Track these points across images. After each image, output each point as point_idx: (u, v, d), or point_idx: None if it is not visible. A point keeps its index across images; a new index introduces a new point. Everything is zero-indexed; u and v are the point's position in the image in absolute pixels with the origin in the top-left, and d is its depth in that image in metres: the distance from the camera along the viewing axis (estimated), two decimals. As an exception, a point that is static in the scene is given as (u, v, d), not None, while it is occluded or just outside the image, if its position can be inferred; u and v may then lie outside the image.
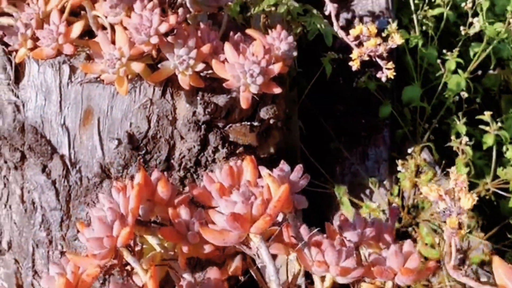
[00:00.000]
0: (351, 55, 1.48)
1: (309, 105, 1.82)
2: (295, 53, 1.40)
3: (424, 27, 2.07)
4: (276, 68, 1.31)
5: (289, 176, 0.95)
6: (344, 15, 2.04)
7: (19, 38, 1.29)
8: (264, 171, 0.96)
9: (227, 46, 1.30)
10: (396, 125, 1.91)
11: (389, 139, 1.89)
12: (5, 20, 1.38)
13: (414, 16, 2.03)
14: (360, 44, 1.50)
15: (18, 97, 1.36)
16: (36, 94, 1.35)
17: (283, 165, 0.97)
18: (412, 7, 2.03)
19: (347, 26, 2.04)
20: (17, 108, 1.37)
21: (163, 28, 1.25)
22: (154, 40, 1.25)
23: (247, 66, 1.27)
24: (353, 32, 1.48)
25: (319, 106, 1.86)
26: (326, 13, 1.53)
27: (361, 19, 2.04)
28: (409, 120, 1.93)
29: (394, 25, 1.91)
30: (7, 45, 1.32)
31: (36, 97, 1.36)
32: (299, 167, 0.97)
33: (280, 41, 1.39)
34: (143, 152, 1.38)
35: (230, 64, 1.28)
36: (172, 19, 1.27)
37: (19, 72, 1.36)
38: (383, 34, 1.91)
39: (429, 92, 1.98)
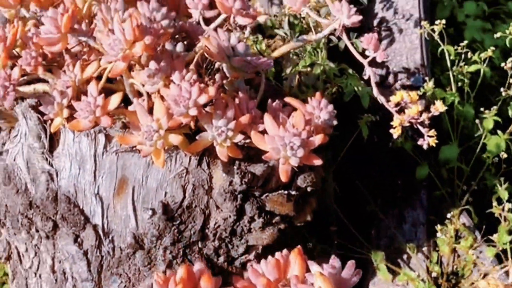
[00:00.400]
0: (387, 113, 1.44)
1: (344, 166, 1.78)
2: (335, 122, 1.37)
3: (459, 83, 2.03)
4: (317, 140, 1.27)
5: (341, 273, 0.91)
6: (379, 71, 2.01)
7: (55, 107, 1.27)
8: (314, 267, 0.91)
9: (267, 118, 1.27)
10: (433, 186, 1.86)
11: (426, 201, 1.83)
12: (40, 87, 1.36)
13: (450, 73, 1.99)
14: (401, 111, 1.46)
15: (52, 165, 1.34)
16: (71, 163, 1.33)
17: (334, 261, 0.92)
18: (448, 64, 1.99)
19: (382, 82, 2.00)
20: (51, 177, 1.34)
21: (203, 100, 1.22)
22: (193, 112, 1.22)
23: (288, 138, 1.24)
24: (394, 99, 1.45)
25: (353, 166, 1.82)
26: (365, 77, 1.49)
27: (395, 76, 2.01)
28: (446, 181, 1.87)
29: (430, 84, 1.88)
30: (42, 113, 1.30)
31: (70, 166, 1.33)
32: (351, 263, 0.92)
33: (320, 110, 1.35)
34: (178, 222, 1.34)
35: (270, 137, 1.25)
36: (212, 90, 1.24)
37: (53, 140, 1.34)
38: (419, 92, 1.89)
39: (467, 151, 1.93)
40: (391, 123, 1.45)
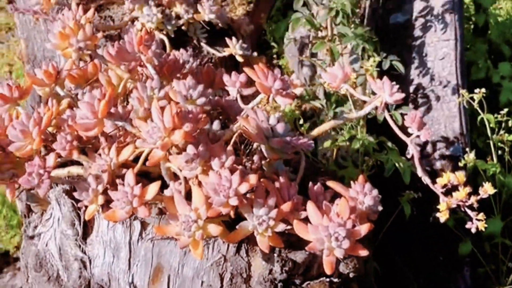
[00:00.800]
0: (429, 187, 1.37)
1: (384, 243, 1.71)
2: (380, 208, 1.31)
3: (499, 151, 1.96)
4: (363, 230, 1.21)
5: None
6: (416, 140, 1.94)
7: (90, 194, 1.22)
8: None
9: (310, 206, 1.21)
10: (476, 262, 1.77)
11: (470, 278, 1.75)
12: (74, 170, 1.32)
13: (491, 142, 1.93)
14: (447, 193, 1.40)
15: (85, 253, 1.29)
16: (104, 251, 1.28)
17: None
18: (489, 132, 1.93)
19: (420, 152, 1.94)
20: (84, 265, 1.29)
21: (243, 189, 1.17)
22: (234, 202, 1.16)
23: (332, 228, 1.18)
24: (441, 181, 1.38)
25: (393, 243, 1.75)
26: (408, 156, 1.44)
27: (434, 145, 1.95)
28: (490, 257, 1.79)
29: (471, 155, 1.82)
30: (76, 199, 1.25)
31: (104, 253, 1.28)
32: None
33: (364, 195, 1.29)
34: (215, 312, 1.28)
35: (313, 226, 1.19)
36: (253, 178, 1.19)
37: (87, 227, 1.30)
38: (460, 164, 1.83)
39: (510, 224, 1.85)
40: (432, 198, 1.39)
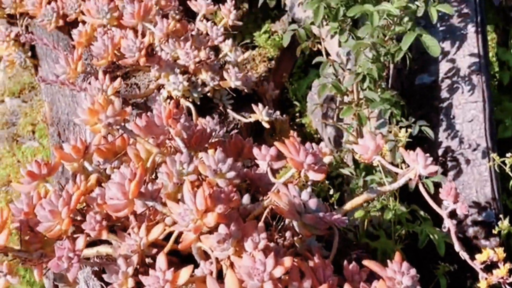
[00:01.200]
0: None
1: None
2: (418, 288, 1.26)
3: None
4: (403, 314, 1.16)
5: None
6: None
7: (119, 277, 1.19)
8: None
9: (348, 289, 1.17)
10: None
11: None
12: (103, 249, 1.30)
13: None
14: (487, 269, 1.35)
15: (112, 335, 1.25)
16: (134, 334, 1.23)
17: None
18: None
19: (451, 218, 1.89)
20: None
21: (278, 272, 1.13)
22: (268, 286, 1.12)
23: (371, 313, 1.13)
24: (480, 258, 1.34)
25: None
26: (444, 230, 1.40)
27: (466, 210, 1.90)
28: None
29: (506, 222, 1.77)
30: (105, 282, 1.22)
31: (134, 337, 1.24)
32: None
33: (402, 274, 1.25)
34: None
35: (352, 311, 1.15)
36: (287, 261, 1.15)
37: (116, 309, 1.26)
38: (494, 231, 1.77)
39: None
40: (467, 268, 1.34)
